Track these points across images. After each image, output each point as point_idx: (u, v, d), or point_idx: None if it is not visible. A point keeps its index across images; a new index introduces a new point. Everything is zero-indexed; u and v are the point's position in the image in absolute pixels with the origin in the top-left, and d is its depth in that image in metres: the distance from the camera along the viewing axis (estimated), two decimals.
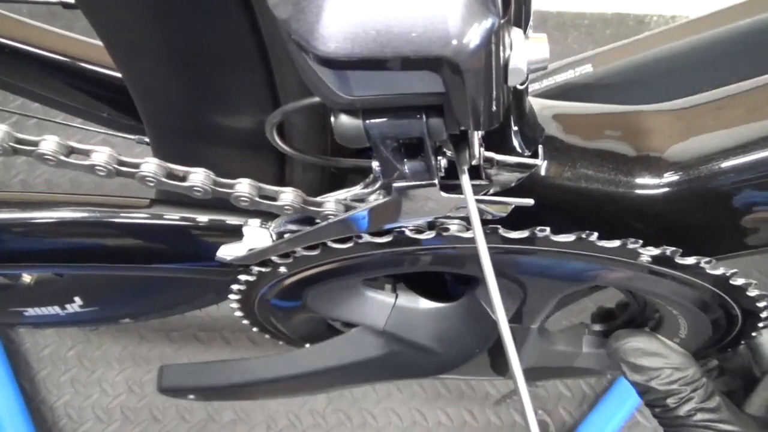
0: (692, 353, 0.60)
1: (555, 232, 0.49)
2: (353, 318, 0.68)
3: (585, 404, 1.23)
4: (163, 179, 0.44)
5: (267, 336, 0.75)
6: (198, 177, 0.44)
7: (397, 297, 0.66)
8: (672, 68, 0.65)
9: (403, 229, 0.50)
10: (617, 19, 1.41)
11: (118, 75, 0.64)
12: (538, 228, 0.49)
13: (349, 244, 0.52)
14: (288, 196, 0.47)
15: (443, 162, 0.43)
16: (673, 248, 0.49)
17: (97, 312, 1.01)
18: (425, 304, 0.67)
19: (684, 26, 0.65)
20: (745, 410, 0.60)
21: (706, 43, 0.63)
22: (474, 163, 0.43)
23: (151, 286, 0.86)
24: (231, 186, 0.45)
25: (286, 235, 0.51)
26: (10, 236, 0.55)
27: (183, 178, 0.45)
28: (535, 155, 0.48)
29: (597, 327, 0.71)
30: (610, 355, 0.62)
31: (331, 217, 0.48)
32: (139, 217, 0.55)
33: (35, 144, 0.42)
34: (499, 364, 0.71)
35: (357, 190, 0.48)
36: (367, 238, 0.51)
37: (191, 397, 0.79)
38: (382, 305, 0.67)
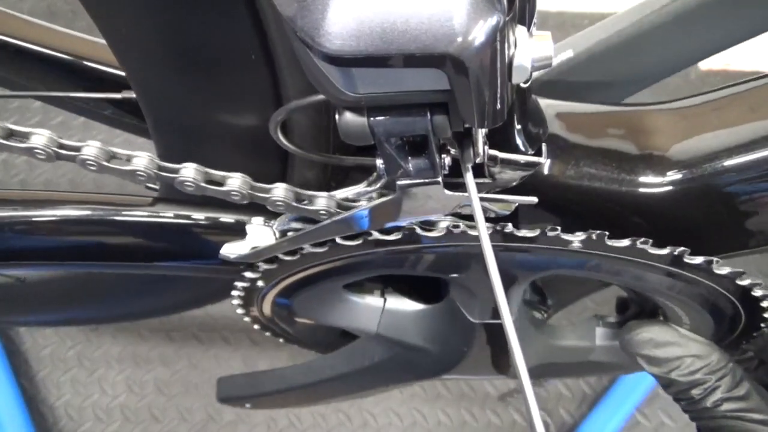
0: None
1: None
2: (347, 324, 0.68)
3: (585, 404, 1.23)
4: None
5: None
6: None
7: (385, 301, 0.67)
8: (650, 39, 0.64)
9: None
10: None
11: (121, 73, 0.64)
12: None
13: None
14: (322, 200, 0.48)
15: (447, 160, 0.43)
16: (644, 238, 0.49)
17: (96, 312, 1.01)
18: (413, 306, 0.67)
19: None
20: None
21: (683, 8, 0.63)
22: (478, 161, 0.43)
23: (151, 285, 0.86)
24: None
25: (289, 233, 0.51)
26: (11, 234, 0.55)
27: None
28: (538, 153, 0.48)
29: (610, 318, 0.69)
30: (624, 347, 0.60)
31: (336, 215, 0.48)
32: (142, 215, 0.55)
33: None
34: (500, 363, 0.70)
35: (360, 188, 0.48)
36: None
37: (248, 405, 0.84)
38: (372, 310, 0.67)
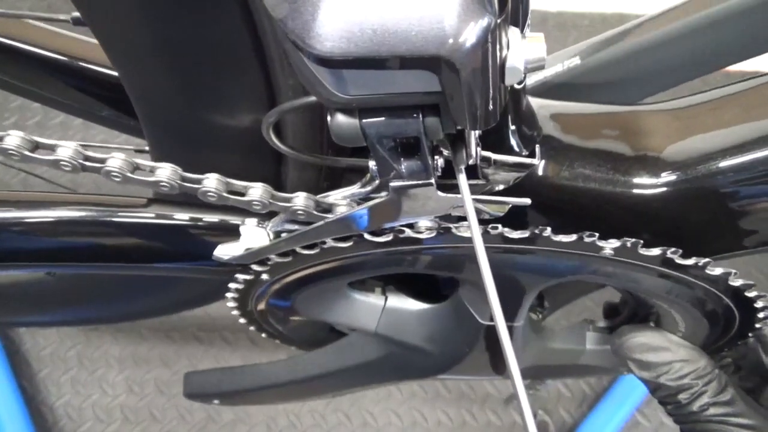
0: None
1: (553, 231, 0.49)
2: (345, 321, 0.68)
3: (585, 404, 1.23)
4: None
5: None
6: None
7: (386, 299, 0.67)
8: (659, 54, 0.64)
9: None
10: (617, 19, 1.41)
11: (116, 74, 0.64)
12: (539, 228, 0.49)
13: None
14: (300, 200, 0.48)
15: (440, 161, 0.43)
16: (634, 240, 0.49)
17: (96, 312, 1.01)
18: (415, 305, 0.67)
19: (671, 12, 0.65)
20: (762, 404, 0.58)
21: (692, 26, 0.63)
22: (471, 162, 0.43)
23: (149, 285, 0.86)
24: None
25: (283, 235, 0.51)
26: (7, 235, 0.55)
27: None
28: (532, 155, 0.48)
29: (601, 323, 0.70)
30: (615, 351, 0.61)
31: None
32: (137, 216, 0.55)
33: None
34: (499, 364, 0.70)
35: (354, 189, 0.48)
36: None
37: (216, 402, 0.82)
38: (373, 308, 0.67)
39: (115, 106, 0.68)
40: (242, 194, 0.46)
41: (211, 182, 0.45)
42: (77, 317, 1.05)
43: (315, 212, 0.48)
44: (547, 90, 0.68)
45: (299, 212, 0.48)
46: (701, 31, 0.62)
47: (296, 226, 0.51)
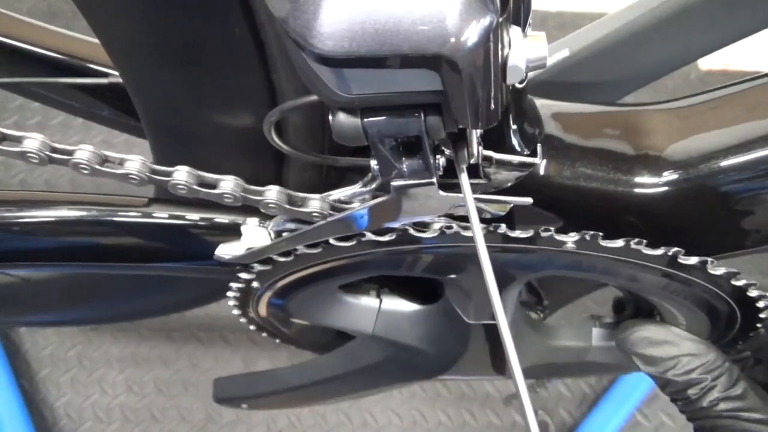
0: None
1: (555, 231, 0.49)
2: (343, 325, 0.68)
3: (585, 404, 1.23)
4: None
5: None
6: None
7: (381, 301, 0.67)
8: (646, 37, 0.64)
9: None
10: None
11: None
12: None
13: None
14: (315, 202, 0.48)
15: (442, 160, 0.43)
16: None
17: (97, 312, 1.01)
18: (409, 306, 0.67)
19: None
20: None
21: (678, 7, 0.63)
22: (472, 161, 0.43)
23: (149, 285, 0.86)
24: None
25: (285, 234, 0.51)
26: (8, 235, 0.55)
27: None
28: (534, 154, 0.48)
29: (607, 319, 0.69)
30: (620, 347, 0.60)
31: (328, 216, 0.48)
32: (137, 216, 0.55)
33: None
34: (499, 363, 0.70)
35: (355, 188, 0.48)
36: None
37: (244, 406, 0.84)
38: (368, 310, 0.67)
39: (116, 106, 0.68)
40: (213, 186, 0.46)
41: (181, 174, 0.45)
42: (77, 317, 1.05)
43: (287, 206, 0.48)
44: (539, 84, 0.68)
45: (270, 205, 0.47)
46: (689, 16, 0.62)
47: (298, 225, 0.51)
